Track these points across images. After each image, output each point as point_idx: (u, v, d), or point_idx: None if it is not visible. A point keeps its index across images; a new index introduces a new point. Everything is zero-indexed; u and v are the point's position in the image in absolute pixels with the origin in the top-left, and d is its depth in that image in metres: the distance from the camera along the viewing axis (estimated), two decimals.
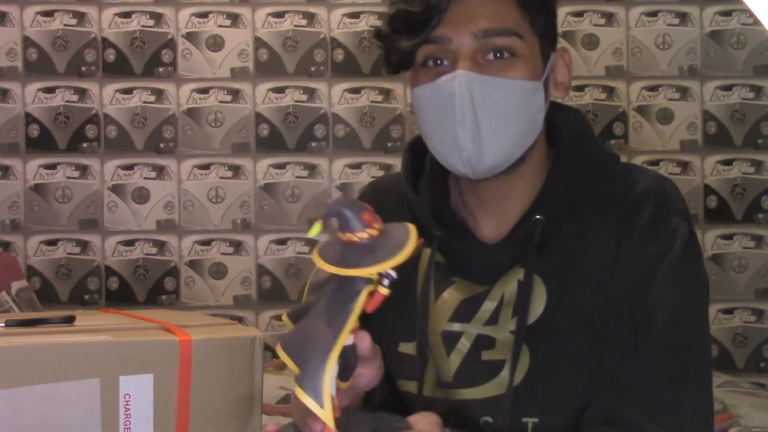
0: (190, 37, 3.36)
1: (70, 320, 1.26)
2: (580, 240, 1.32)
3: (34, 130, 3.31)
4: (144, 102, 3.34)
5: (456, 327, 1.37)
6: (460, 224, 1.39)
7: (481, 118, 1.27)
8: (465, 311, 1.37)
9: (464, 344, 1.36)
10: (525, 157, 1.33)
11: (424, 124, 1.34)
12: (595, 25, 3.41)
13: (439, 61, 1.30)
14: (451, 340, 1.37)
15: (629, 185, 1.33)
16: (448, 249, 1.39)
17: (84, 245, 3.32)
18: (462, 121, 1.27)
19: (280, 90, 3.38)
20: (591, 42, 3.41)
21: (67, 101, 3.32)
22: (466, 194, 1.41)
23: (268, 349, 2.72)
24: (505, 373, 1.32)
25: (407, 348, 1.40)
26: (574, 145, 1.37)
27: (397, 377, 1.41)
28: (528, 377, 1.31)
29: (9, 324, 1.23)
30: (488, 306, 1.36)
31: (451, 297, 1.38)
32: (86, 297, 3.32)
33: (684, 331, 1.28)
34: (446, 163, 1.33)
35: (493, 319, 1.35)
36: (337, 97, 3.39)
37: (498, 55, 1.28)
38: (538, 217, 1.33)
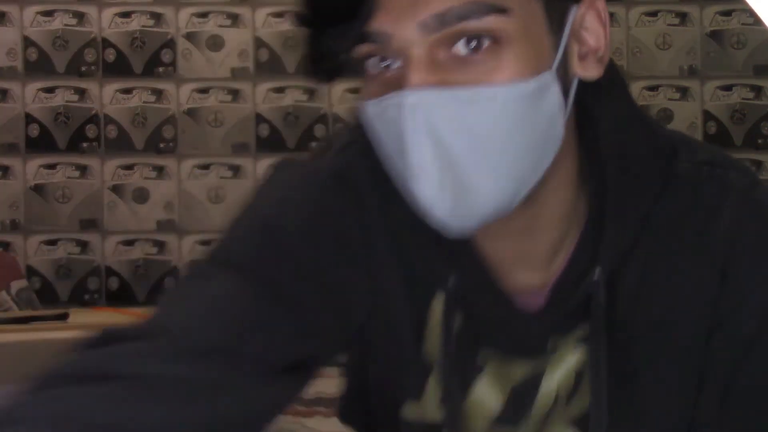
0: (190, 37, 3.36)
1: (63, 317, 1.27)
2: (656, 286, 0.91)
3: (34, 130, 3.32)
4: (144, 102, 3.34)
5: None
6: (478, 262, 0.93)
7: (458, 158, 0.82)
8: (514, 409, 0.95)
9: None
10: (544, 178, 0.87)
11: (383, 150, 0.88)
12: None
13: (385, 63, 0.84)
14: None
15: (713, 195, 0.91)
16: (468, 304, 0.94)
17: (84, 245, 3.32)
18: (425, 172, 0.82)
19: (280, 90, 3.38)
20: None
21: (67, 101, 3.32)
22: None
23: None
24: None
25: (413, 411, 0.98)
26: (617, 146, 0.92)
27: None
28: None
29: (2, 321, 1.23)
30: (546, 393, 0.95)
31: (488, 393, 0.96)
32: (86, 297, 3.32)
33: None
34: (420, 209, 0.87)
35: (548, 413, 0.95)
36: (337, 98, 3.39)
37: (472, 44, 0.81)
38: (595, 277, 0.90)
